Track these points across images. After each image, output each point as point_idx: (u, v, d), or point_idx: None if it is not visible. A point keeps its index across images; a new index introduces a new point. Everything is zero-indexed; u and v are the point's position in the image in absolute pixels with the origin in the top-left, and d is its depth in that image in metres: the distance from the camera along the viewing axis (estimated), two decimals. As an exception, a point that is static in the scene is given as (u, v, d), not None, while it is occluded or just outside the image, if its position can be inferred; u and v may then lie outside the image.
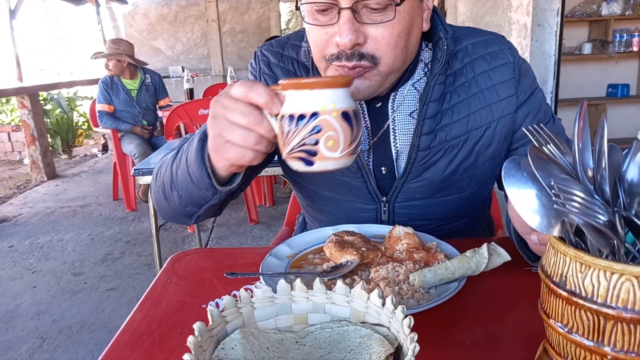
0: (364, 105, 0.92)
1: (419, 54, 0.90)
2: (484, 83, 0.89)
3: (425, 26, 0.86)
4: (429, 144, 0.88)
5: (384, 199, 0.94)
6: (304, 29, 0.95)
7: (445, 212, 0.97)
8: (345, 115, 0.62)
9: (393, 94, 0.91)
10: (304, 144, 0.62)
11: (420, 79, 0.91)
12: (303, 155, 0.63)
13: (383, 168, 0.93)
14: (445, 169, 0.90)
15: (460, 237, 1.02)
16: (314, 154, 0.62)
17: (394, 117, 0.91)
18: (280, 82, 0.63)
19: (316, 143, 0.62)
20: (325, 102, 0.61)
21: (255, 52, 1.00)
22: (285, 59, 0.96)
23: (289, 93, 0.63)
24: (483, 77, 0.89)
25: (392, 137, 0.91)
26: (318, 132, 0.61)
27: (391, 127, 0.91)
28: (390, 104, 0.91)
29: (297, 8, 0.82)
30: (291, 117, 0.62)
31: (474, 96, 0.88)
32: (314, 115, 0.61)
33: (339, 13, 0.75)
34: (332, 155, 0.63)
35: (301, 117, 0.62)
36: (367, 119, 0.92)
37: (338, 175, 0.94)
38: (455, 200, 0.95)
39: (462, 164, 0.90)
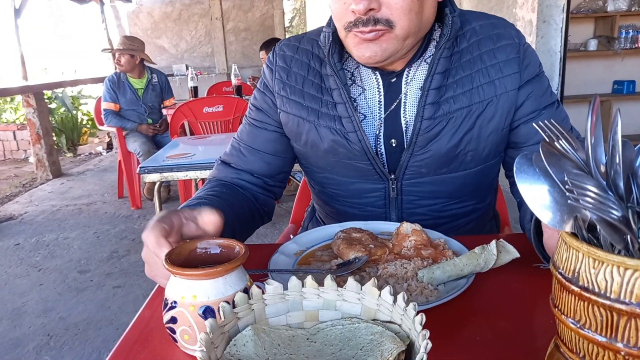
0: (380, 80, 0.96)
1: (432, 33, 0.94)
2: (488, 60, 0.92)
3: None
4: (432, 113, 0.91)
5: (392, 176, 0.98)
6: (321, 27, 1.01)
7: (452, 190, 1.00)
8: (207, 311, 0.55)
9: (407, 69, 0.95)
10: (168, 329, 0.59)
11: (432, 55, 0.94)
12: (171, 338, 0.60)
13: (393, 140, 0.96)
14: (450, 140, 0.93)
15: (465, 220, 1.06)
16: (176, 340, 0.59)
17: (407, 91, 0.95)
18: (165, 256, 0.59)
19: (174, 332, 0.58)
20: (185, 292, 0.56)
21: (274, 47, 1.05)
22: (301, 52, 1.01)
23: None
24: (488, 55, 0.92)
25: (402, 109, 0.95)
26: (175, 322, 0.57)
27: (403, 100, 0.95)
28: (404, 79, 0.95)
29: None
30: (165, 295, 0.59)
31: (479, 71, 0.92)
32: (174, 303, 0.57)
33: None
34: (191, 347, 0.58)
35: (166, 301, 0.58)
36: (382, 92, 0.96)
37: (345, 160, 0.98)
38: (461, 178, 0.98)
39: (465, 135, 0.93)
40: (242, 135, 1.06)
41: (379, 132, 0.96)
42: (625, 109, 5.02)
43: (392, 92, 0.96)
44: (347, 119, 0.94)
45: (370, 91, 0.97)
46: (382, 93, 0.96)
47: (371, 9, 0.81)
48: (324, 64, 0.97)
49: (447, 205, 1.02)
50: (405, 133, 0.95)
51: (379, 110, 0.96)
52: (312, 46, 1.01)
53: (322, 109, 0.96)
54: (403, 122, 0.95)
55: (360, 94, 0.97)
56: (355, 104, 0.96)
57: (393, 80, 0.96)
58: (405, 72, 0.95)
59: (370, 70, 0.96)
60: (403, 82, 0.95)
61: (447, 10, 0.91)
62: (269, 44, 4.22)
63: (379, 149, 0.97)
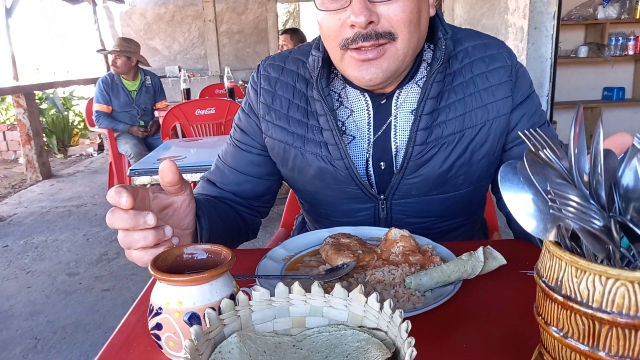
0: (369, 102, 0.94)
1: (422, 54, 0.93)
2: (481, 84, 0.91)
3: (432, 11, 0.88)
4: (425, 139, 0.90)
5: (382, 197, 0.96)
6: (308, 43, 0.98)
7: (441, 210, 0.99)
8: (193, 317, 0.55)
9: (398, 91, 0.93)
10: (153, 335, 0.58)
11: (423, 77, 0.93)
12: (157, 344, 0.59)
13: (382, 163, 0.94)
14: (441, 165, 0.91)
15: (454, 234, 1.05)
16: (161, 347, 0.58)
17: (397, 114, 0.93)
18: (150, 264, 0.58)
19: (159, 338, 0.57)
20: (170, 298, 0.55)
21: (259, 65, 1.02)
22: (286, 73, 0.98)
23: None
24: (481, 78, 0.91)
25: (392, 133, 0.93)
26: (160, 329, 0.56)
27: (393, 123, 0.93)
28: (394, 101, 0.93)
29: None
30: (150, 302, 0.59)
31: (471, 95, 0.90)
32: (160, 309, 0.56)
33: None
34: (176, 354, 0.57)
35: (151, 307, 0.58)
36: (371, 114, 0.94)
37: (333, 185, 0.96)
38: (450, 199, 0.97)
39: (457, 160, 0.92)
40: (227, 157, 1.04)
41: (368, 155, 0.94)
42: (614, 116, 5.08)
43: (381, 114, 0.93)
44: (334, 146, 0.92)
45: (359, 113, 0.94)
46: (371, 115, 0.94)
47: (371, 22, 0.78)
48: (310, 85, 0.94)
49: (436, 223, 1.00)
50: (395, 157, 0.93)
51: (367, 132, 0.94)
52: (297, 67, 0.97)
53: (308, 135, 0.93)
54: (393, 146, 0.93)
55: (349, 116, 0.94)
56: (344, 127, 0.94)
57: (383, 102, 0.93)
58: (396, 95, 0.93)
59: (359, 91, 0.94)
60: (393, 105, 0.93)
61: (441, 34, 0.88)
62: (293, 32, 4.28)
63: (368, 172, 0.95)
